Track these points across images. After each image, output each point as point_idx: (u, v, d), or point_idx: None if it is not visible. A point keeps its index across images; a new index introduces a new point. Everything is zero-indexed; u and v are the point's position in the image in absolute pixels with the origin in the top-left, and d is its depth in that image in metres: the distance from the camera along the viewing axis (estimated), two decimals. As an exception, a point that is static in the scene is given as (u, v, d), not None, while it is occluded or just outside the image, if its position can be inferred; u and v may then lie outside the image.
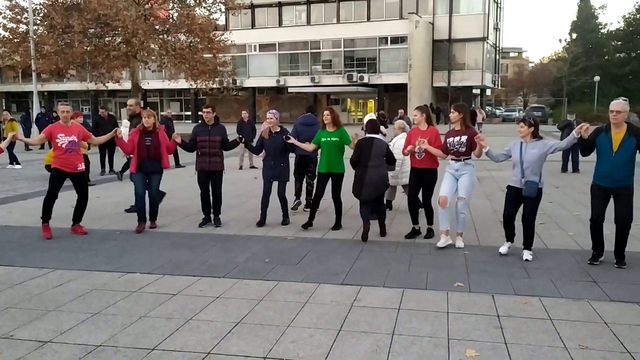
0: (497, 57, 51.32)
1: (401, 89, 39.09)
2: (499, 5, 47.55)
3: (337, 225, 7.37)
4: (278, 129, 7.56)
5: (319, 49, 42.47)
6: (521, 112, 51.52)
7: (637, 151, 5.40)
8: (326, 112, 7.32)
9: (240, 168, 14.24)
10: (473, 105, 38.58)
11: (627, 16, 51.94)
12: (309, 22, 44.32)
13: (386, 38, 40.29)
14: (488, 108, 54.38)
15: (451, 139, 6.35)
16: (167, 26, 23.57)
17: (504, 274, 5.31)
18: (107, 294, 4.85)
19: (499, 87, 60.50)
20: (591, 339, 3.85)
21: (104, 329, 4.08)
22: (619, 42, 52.88)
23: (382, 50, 40.62)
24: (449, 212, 6.39)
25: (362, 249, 6.31)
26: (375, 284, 5.04)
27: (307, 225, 7.33)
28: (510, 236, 6.07)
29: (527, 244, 5.89)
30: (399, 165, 7.77)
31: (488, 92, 57.26)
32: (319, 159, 7.65)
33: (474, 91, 47.23)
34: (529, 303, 4.54)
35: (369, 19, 42.11)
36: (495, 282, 5.09)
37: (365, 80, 39.94)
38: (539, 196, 5.78)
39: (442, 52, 41.67)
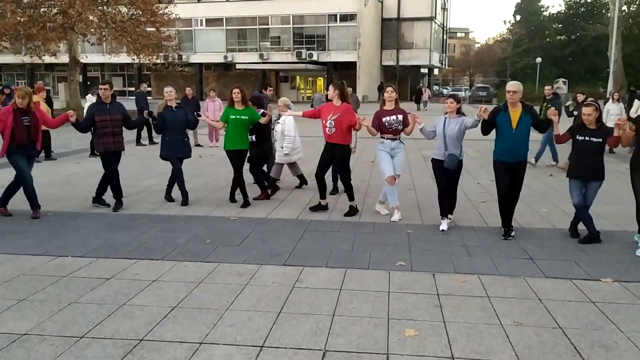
0: (445, 37, 51.99)
1: (350, 67, 39.01)
2: (447, -15, 48.03)
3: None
4: (176, 104, 7.47)
5: (268, 24, 41.65)
6: (467, 91, 52.51)
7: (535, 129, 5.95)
8: (236, 90, 7.29)
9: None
10: (420, 84, 39.05)
11: (568, -1, 53.57)
12: (257, -3, 43.38)
13: (335, 15, 39.91)
14: (435, 87, 55.23)
15: (388, 118, 6.52)
16: (107, -3, 22.56)
17: (446, 253, 5.37)
18: (35, 279, 4.59)
19: (446, 67, 61.51)
20: (526, 315, 3.94)
21: (30, 316, 3.85)
22: (560, 25, 54.53)
23: (332, 27, 40.25)
24: (396, 188, 6.67)
25: (306, 229, 6.24)
26: (318, 265, 4.99)
27: (246, 205, 7.28)
28: (444, 211, 6.23)
29: (451, 208, 6.45)
30: (291, 142, 8.01)
31: (436, 71, 58.10)
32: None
33: (422, 70, 47.79)
34: (468, 281, 4.60)
35: (318, -5, 41.61)
36: (436, 260, 5.14)
37: (315, 58, 39.56)
38: (460, 168, 6.21)
39: (391, 30, 41.83)
